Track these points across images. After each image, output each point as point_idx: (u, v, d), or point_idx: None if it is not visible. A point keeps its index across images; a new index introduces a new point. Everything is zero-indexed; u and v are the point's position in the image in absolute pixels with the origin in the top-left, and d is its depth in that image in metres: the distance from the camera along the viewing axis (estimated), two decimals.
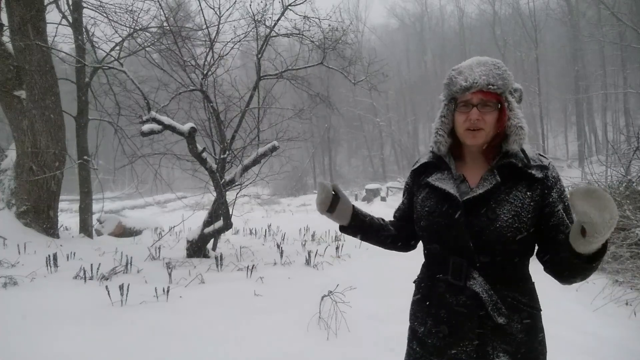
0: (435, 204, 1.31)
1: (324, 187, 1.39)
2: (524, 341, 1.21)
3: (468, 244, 1.22)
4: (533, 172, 1.22)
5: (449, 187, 1.28)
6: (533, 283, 1.30)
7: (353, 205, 1.45)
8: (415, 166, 1.45)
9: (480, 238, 1.21)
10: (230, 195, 6.59)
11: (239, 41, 7.24)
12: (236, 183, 6.44)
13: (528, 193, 1.21)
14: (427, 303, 1.32)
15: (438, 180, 1.32)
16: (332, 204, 1.39)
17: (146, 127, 5.39)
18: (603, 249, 1.02)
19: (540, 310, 1.29)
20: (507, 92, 1.24)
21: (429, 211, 1.32)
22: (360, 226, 1.46)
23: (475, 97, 1.22)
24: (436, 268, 1.32)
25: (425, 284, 1.36)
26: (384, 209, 15.53)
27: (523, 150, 1.26)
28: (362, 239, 1.52)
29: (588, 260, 1.04)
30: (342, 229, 1.48)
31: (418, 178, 1.43)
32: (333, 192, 1.40)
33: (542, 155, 1.29)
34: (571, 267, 1.10)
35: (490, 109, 1.22)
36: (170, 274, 4.67)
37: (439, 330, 1.26)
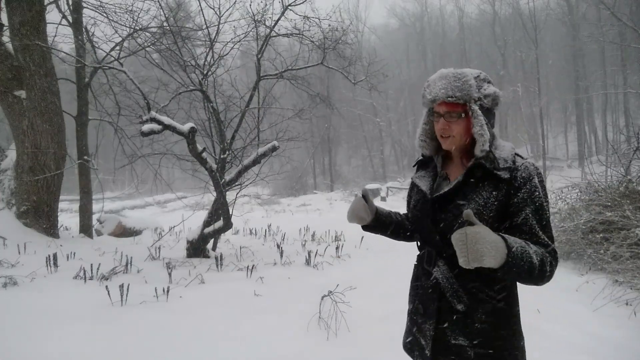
0: (417, 199, 1.47)
1: (358, 201, 1.56)
2: (485, 330, 1.30)
3: (435, 237, 1.37)
4: (500, 173, 1.29)
5: (424, 184, 1.44)
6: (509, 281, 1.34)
7: (377, 208, 1.61)
8: (415, 163, 1.62)
9: (445, 232, 1.32)
10: (230, 195, 6.59)
11: (239, 41, 7.23)
12: (236, 183, 6.44)
13: (494, 193, 1.29)
14: (413, 285, 1.52)
15: (418, 178, 1.49)
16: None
17: (146, 127, 5.38)
18: (504, 268, 1.11)
19: (514, 306, 1.35)
20: (470, 101, 1.31)
21: (412, 205, 1.49)
22: (380, 225, 1.62)
23: (441, 108, 1.34)
24: (419, 255, 1.50)
25: (414, 268, 1.54)
26: (386, 208, 15.50)
27: (492, 152, 1.33)
28: (381, 234, 1.66)
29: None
30: (364, 227, 1.64)
31: (415, 174, 1.58)
32: (362, 196, 1.56)
33: (518, 156, 1.35)
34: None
35: (455, 118, 1.32)
36: (170, 274, 4.67)
37: (418, 308, 1.45)
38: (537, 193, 1.27)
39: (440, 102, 1.33)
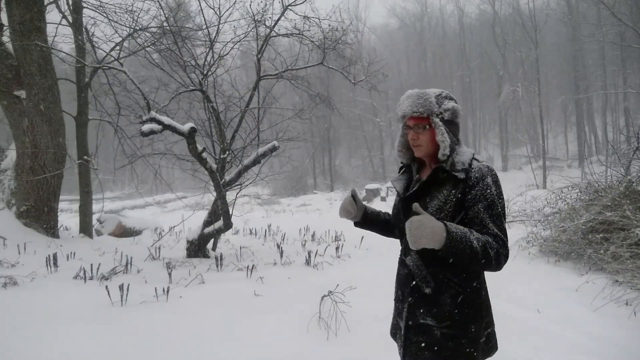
0: (395, 199, 1.74)
1: (346, 198, 1.82)
2: (451, 311, 1.49)
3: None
4: (457, 173, 1.50)
5: (399, 185, 1.68)
6: (476, 270, 1.52)
7: (365, 206, 1.85)
8: (399, 169, 1.83)
9: None
10: (230, 195, 6.59)
11: (239, 41, 7.23)
12: (236, 183, 6.44)
13: (453, 191, 1.50)
14: (396, 274, 1.71)
15: (395, 180, 1.72)
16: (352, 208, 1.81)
17: (146, 127, 5.38)
18: (444, 249, 1.33)
19: (478, 294, 1.53)
20: (432, 115, 1.55)
21: (394, 203, 1.74)
22: (368, 222, 1.86)
23: (410, 122, 1.59)
24: (400, 247, 1.71)
25: (398, 260, 1.74)
26: (384, 209, 15.52)
27: (452, 157, 1.54)
28: (372, 230, 1.91)
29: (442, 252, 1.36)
30: (355, 223, 1.87)
31: (394, 178, 1.80)
32: (352, 196, 1.81)
33: (475, 160, 1.55)
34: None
35: (421, 129, 1.57)
36: (170, 274, 4.67)
37: (397, 294, 1.67)
38: (489, 191, 1.47)
39: (408, 117, 1.58)
